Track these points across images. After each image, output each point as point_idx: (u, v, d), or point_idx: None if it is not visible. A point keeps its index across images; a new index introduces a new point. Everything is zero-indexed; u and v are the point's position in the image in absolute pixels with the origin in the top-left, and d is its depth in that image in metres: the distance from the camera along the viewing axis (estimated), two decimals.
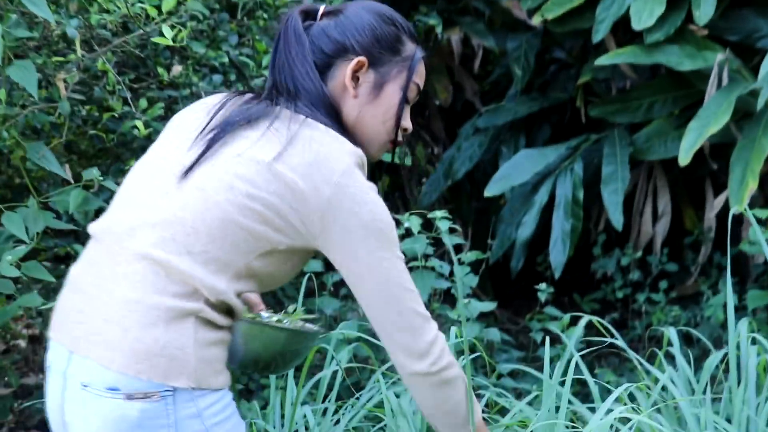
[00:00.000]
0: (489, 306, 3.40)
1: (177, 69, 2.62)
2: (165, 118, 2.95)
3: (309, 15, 1.79)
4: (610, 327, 2.87)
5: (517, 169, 3.84)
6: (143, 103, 2.89)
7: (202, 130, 1.69)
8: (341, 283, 4.09)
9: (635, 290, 4.24)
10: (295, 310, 1.99)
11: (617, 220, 3.67)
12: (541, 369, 3.80)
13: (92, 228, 1.73)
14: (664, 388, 2.59)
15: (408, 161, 3.75)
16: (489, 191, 3.86)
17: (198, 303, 1.63)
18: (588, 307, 4.44)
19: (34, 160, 2.30)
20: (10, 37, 2.15)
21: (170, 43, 2.28)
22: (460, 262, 3.51)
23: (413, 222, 3.30)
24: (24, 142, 2.33)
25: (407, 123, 1.78)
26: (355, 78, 1.74)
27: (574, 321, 4.33)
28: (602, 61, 3.67)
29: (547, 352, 2.46)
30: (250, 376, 3.28)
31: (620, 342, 2.84)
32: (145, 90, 3.21)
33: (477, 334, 3.32)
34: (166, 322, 1.63)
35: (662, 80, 3.95)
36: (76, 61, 2.36)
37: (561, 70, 4.54)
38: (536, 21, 3.88)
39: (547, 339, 2.59)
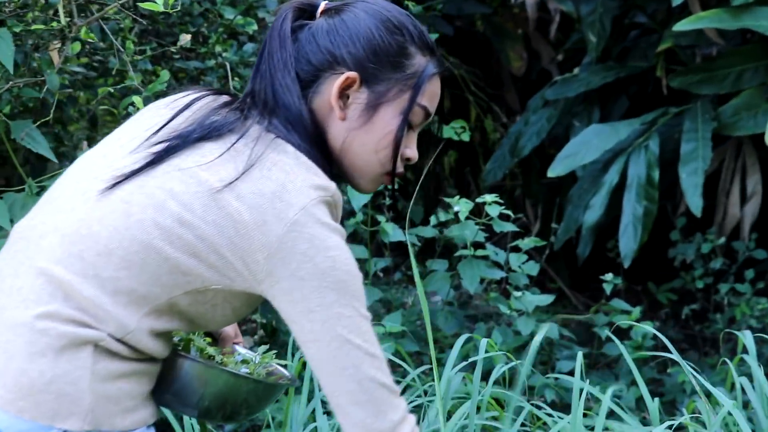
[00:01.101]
0: (545, 299, 3.27)
1: (186, 38, 2.40)
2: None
3: (305, 12, 1.56)
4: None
5: (585, 146, 3.57)
6: (165, 75, 2.72)
7: (154, 133, 1.51)
8: (386, 271, 4.00)
9: (717, 280, 4.01)
10: (267, 351, 1.83)
11: (695, 204, 3.41)
12: (609, 366, 3.64)
13: (13, 228, 1.57)
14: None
15: (465, 137, 3.51)
16: (553, 171, 3.61)
17: (98, 332, 1.44)
18: (664, 297, 4.27)
19: (18, 139, 2.12)
20: None
21: (160, 9, 2.05)
22: (516, 250, 3.34)
23: (462, 206, 3.16)
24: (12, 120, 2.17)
25: (411, 152, 1.56)
26: (343, 97, 1.52)
27: (648, 312, 4.14)
28: (682, 26, 3.39)
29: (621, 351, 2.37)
30: None
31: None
32: (169, 60, 3.06)
33: (532, 329, 3.15)
34: (56, 351, 1.44)
35: (753, 47, 3.66)
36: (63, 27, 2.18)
37: (642, 36, 4.26)
38: None
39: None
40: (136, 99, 2.28)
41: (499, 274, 3.24)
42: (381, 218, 3.26)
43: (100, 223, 1.45)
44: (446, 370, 2.45)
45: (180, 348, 1.72)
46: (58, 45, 2.27)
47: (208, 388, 1.65)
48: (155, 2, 2.08)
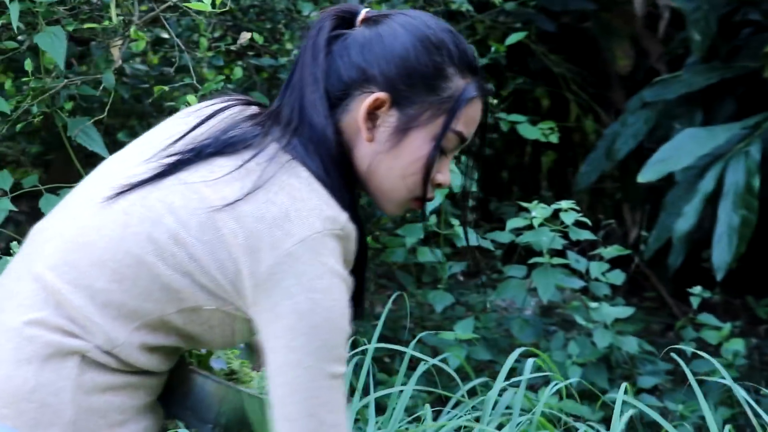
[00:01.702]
0: (625, 312, 3.28)
1: (245, 36, 2.42)
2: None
3: (344, 21, 1.52)
4: None
5: (679, 151, 3.55)
6: (238, 72, 2.76)
7: (172, 143, 1.50)
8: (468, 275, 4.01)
9: None
10: None
11: None
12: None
13: (32, 229, 1.60)
14: None
15: (554, 138, 3.50)
16: (643, 176, 3.58)
17: (86, 342, 1.43)
18: (763, 312, 4.17)
19: (72, 136, 2.18)
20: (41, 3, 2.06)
21: (208, 8, 2.07)
22: (598, 258, 3.32)
23: (538, 211, 3.14)
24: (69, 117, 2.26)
25: (443, 178, 1.51)
26: (372, 118, 1.47)
27: (747, 327, 4.01)
28: None
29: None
30: None
31: None
32: (246, 59, 3.12)
33: (610, 342, 3.22)
34: (41, 360, 1.44)
35: None
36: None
37: (755, 34, 4.14)
38: None
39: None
40: (191, 98, 2.32)
41: (578, 284, 3.24)
42: (454, 222, 3.30)
43: (98, 232, 1.45)
44: (497, 384, 2.48)
45: (193, 362, 1.71)
46: (119, 42, 2.33)
47: (224, 405, 1.64)
48: (203, 2, 2.10)
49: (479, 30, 4.56)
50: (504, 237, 3.33)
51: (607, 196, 5.00)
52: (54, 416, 1.44)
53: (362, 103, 1.45)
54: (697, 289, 3.33)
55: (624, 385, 2.65)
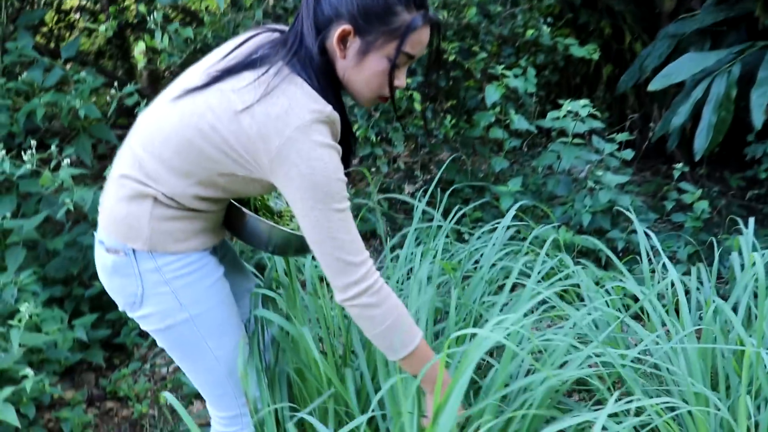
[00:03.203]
0: (623, 178, 3.88)
1: None
2: None
3: None
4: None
5: (679, 68, 4.14)
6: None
7: (219, 60, 1.75)
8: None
9: None
10: None
11: (758, 118, 3.86)
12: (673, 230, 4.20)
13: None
14: None
15: (595, 56, 4.25)
16: (652, 86, 4.15)
17: (155, 190, 1.74)
18: (735, 183, 4.83)
19: None
20: None
21: None
22: (611, 140, 4.04)
23: (566, 106, 3.90)
24: None
25: (399, 82, 1.72)
26: (343, 42, 1.68)
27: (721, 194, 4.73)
28: None
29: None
30: None
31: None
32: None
33: (609, 198, 3.82)
34: (129, 198, 1.75)
35: None
36: None
37: None
38: None
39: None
40: None
41: (594, 157, 3.90)
42: (511, 111, 4.03)
43: (167, 120, 1.71)
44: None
45: (250, 202, 2.01)
46: None
47: (271, 237, 1.89)
48: None
49: None
50: (546, 123, 3.97)
51: (637, 98, 5.41)
52: (137, 234, 1.78)
53: (336, 32, 1.66)
54: (679, 165, 4.06)
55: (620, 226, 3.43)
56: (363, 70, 1.67)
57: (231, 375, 1.99)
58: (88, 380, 3.49)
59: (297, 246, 1.89)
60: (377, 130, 4.09)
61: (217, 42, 3.47)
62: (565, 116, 3.91)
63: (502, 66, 4.20)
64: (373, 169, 4.15)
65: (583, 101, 3.89)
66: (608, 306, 2.57)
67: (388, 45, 1.65)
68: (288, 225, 2.00)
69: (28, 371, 2.74)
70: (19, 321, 2.84)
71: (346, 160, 1.74)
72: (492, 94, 3.92)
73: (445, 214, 3.41)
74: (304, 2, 1.68)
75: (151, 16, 3.42)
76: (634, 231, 3.79)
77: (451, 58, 4.25)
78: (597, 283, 2.84)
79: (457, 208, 3.20)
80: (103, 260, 1.83)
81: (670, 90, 4.67)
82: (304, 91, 1.61)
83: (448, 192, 3.21)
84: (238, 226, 1.88)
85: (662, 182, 4.96)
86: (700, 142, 4.14)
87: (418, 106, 4.06)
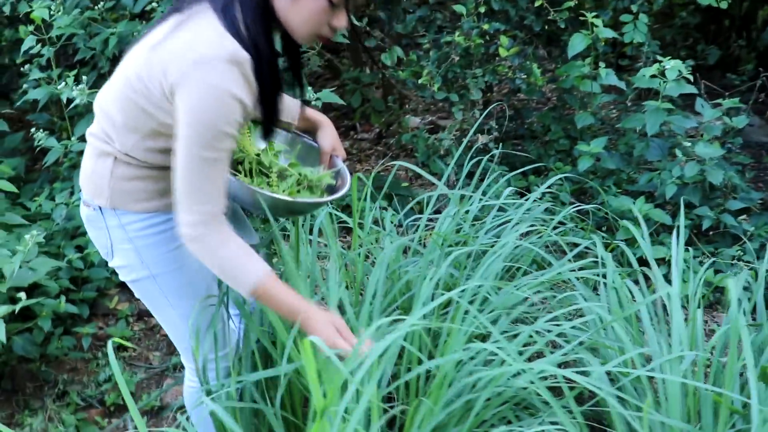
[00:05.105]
0: (715, 152, 3.46)
1: None
2: None
3: None
4: None
5: None
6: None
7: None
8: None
9: None
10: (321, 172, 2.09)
11: None
12: None
13: None
14: None
15: (723, 5, 3.83)
16: None
17: (113, 148, 1.82)
18: None
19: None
20: None
21: None
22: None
23: (665, 64, 3.53)
24: None
25: (338, 23, 1.75)
26: None
27: None
28: None
29: None
30: None
31: None
32: None
33: (696, 172, 3.48)
34: (95, 156, 1.86)
35: None
36: None
37: None
38: None
39: None
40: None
41: (690, 123, 3.54)
42: (602, 65, 3.73)
43: (115, 79, 1.81)
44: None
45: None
46: None
47: (256, 201, 1.87)
48: None
49: None
50: (642, 82, 3.55)
51: None
52: (101, 191, 1.87)
53: None
54: None
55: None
56: (300, 11, 1.69)
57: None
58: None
59: (285, 209, 1.91)
60: (453, 75, 3.92)
61: None
62: (654, 76, 3.56)
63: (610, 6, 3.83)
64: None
65: (676, 61, 3.48)
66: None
67: None
68: (278, 187, 1.99)
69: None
70: None
71: (268, 123, 1.80)
72: (577, 44, 3.64)
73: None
74: None
75: None
76: (728, 210, 3.56)
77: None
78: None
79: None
80: (82, 211, 1.95)
81: None
82: (212, 26, 1.62)
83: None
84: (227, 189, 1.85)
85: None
86: None
87: (503, 52, 3.84)
